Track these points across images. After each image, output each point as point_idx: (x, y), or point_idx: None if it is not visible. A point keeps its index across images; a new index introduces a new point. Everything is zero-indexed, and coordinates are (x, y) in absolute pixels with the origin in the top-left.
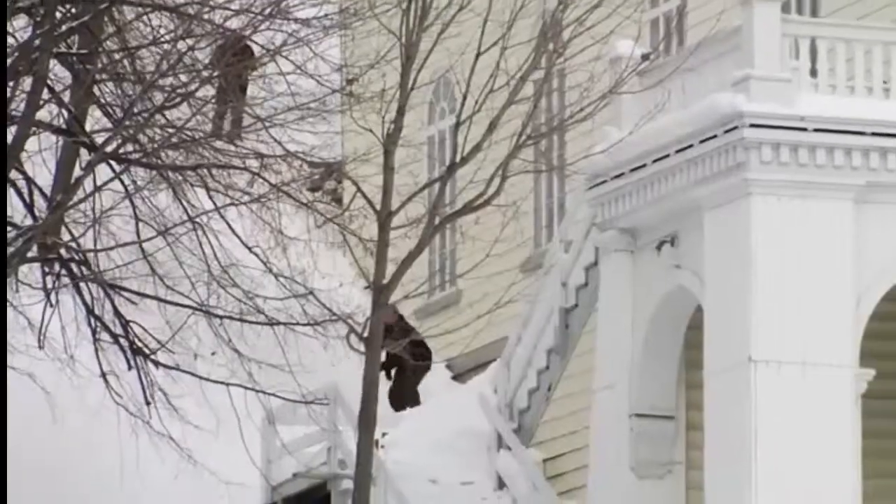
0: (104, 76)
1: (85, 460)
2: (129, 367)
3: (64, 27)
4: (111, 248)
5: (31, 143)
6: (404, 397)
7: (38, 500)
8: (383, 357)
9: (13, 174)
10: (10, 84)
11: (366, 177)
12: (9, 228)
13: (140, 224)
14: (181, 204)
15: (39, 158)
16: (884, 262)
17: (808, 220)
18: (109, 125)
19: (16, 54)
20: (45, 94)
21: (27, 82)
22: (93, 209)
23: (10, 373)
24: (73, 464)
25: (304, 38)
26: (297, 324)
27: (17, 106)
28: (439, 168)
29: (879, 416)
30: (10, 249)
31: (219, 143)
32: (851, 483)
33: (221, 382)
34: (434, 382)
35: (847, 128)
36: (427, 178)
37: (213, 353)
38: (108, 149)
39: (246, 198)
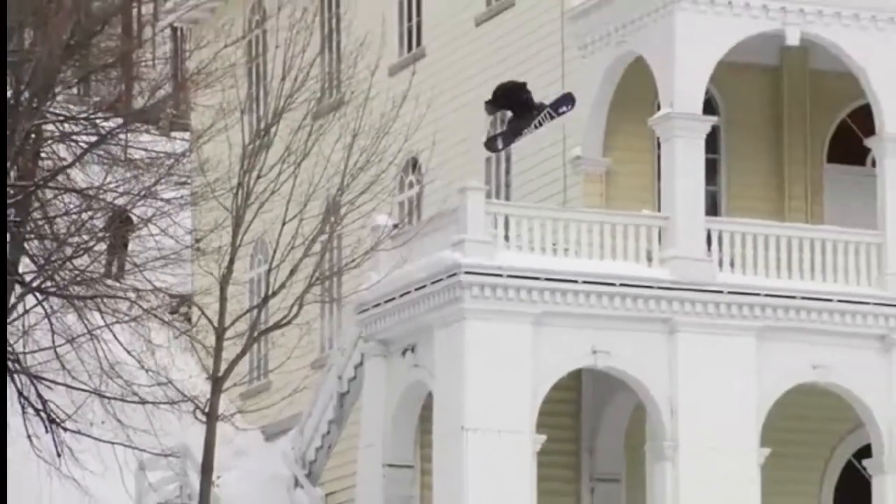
0: (31, 236)
1: (14, 497)
2: (46, 431)
3: None
4: (35, 351)
5: None
6: (504, 139)
7: None
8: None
9: None
10: None
11: (208, 304)
12: None
13: (54, 335)
14: (83, 321)
15: None
16: (552, 364)
17: (503, 336)
18: (34, 268)
19: None
20: None
21: None
22: (22, 325)
23: None
24: (7, 499)
25: (167, 211)
26: (161, 402)
27: None
28: (257, 298)
29: (550, 466)
30: None
31: (109, 281)
32: None
33: (109, 442)
34: (252, 443)
35: (529, 274)
36: (249, 305)
37: (102, 422)
38: (34, 285)
39: (127, 318)
